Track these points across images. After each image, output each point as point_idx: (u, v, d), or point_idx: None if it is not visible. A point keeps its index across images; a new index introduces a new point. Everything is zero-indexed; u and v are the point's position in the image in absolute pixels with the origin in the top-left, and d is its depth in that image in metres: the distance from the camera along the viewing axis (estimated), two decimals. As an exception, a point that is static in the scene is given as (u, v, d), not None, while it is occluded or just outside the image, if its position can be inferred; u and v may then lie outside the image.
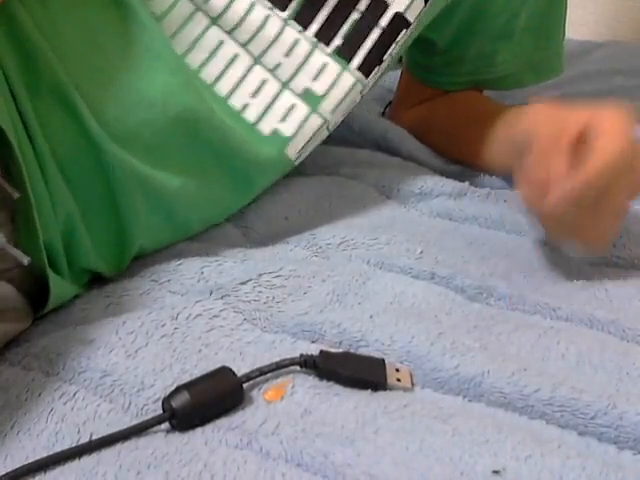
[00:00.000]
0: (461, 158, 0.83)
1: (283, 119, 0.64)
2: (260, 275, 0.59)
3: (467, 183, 0.76)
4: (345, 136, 0.71)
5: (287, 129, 0.65)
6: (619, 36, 1.43)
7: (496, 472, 0.43)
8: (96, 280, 0.62)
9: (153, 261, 0.63)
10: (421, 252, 0.64)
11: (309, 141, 0.66)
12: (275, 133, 0.64)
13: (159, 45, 0.59)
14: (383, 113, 0.95)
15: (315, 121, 0.66)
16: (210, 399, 0.47)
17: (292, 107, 0.65)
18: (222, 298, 0.57)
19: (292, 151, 0.66)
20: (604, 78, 1.09)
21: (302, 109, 0.65)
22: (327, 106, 0.66)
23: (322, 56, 0.65)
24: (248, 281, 0.58)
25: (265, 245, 0.67)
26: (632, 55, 1.20)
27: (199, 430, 0.46)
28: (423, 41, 0.75)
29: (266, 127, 0.64)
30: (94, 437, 0.46)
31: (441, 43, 0.82)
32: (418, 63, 0.84)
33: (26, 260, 0.47)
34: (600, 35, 1.43)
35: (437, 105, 0.88)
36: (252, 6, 0.62)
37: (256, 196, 0.69)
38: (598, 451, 0.45)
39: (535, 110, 0.65)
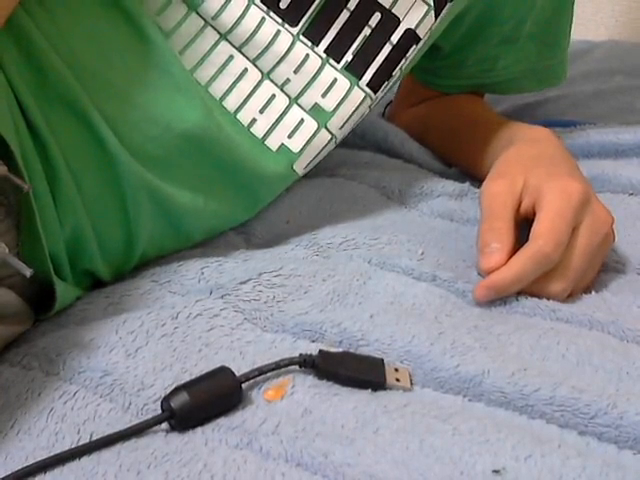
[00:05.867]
0: (454, 161, 0.83)
1: (291, 135, 0.64)
2: (260, 274, 0.59)
3: (467, 184, 0.76)
4: (346, 138, 0.71)
5: (295, 145, 0.64)
6: (619, 36, 1.43)
7: (496, 472, 0.43)
8: (96, 282, 0.62)
9: (154, 262, 0.63)
10: (422, 253, 0.64)
11: (317, 155, 0.66)
12: (283, 149, 0.64)
13: (167, 61, 0.59)
14: (384, 113, 0.96)
15: (323, 137, 0.65)
16: (209, 399, 0.47)
17: (300, 122, 0.64)
18: (222, 297, 0.57)
19: (299, 166, 0.66)
20: (604, 78, 1.09)
21: (311, 125, 0.65)
22: (336, 122, 0.65)
23: (332, 72, 0.64)
24: (248, 280, 0.58)
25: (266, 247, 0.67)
26: (632, 55, 1.20)
27: (199, 430, 0.46)
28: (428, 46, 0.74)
29: (274, 143, 0.64)
30: (94, 437, 0.46)
31: (445, 47, 0.82)
32: (419, 65, 0.83)
33: (28, 272, 0.47)
34: (600, 35, 1.43)
35: (436, 106, 0.88)
36: (262, 21, 0.62)
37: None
38: (598, 451, 0.45)
39: (507, 157, 0.67)
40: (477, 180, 0.71)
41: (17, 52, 0.55)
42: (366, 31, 0.65)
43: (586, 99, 1.01)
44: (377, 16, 0.65)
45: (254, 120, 0.63)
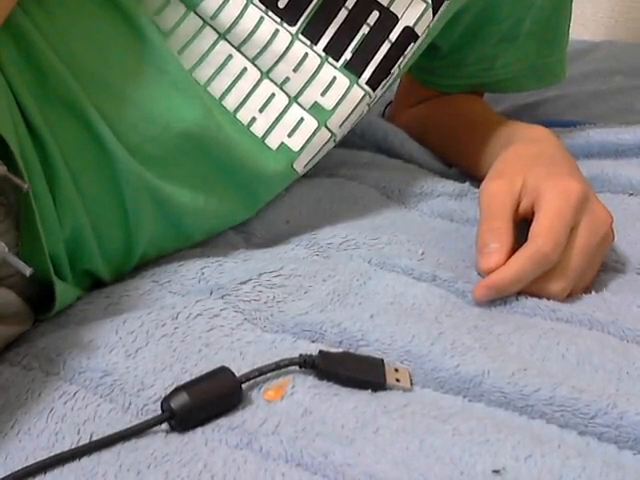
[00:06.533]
0: (454, 161, 0.83)
1: (291, 133, 0.64)
2: (260, 275, 0.59)
3: (467, 184, 0.76)
4: (346, 138, 0.71)
5: (295, 143, 0.65)
6: (618, 36, 1.43)
7: (496, 472, 0.43)
8: (96, 282, 0.62)
9: (154, 262, 0.63)
10: (422, 253, 0.64)
11: (316, 154, 0.66)
12: (283, 148, 0.64)
13: (165, 61, 0.59)
14: (383, 113, 0.96)
15: (323, 135, 0.65)
16: (209, 400, 0.47)
17: (300, 121, 0.64)
18: (222, 298, 0.57)
19: (299, 165, 0.66)
20: (603, 78, 1.09)
21: (311, 123, 0.65)
22: (335, 120, 0.65)
23: (331, 70, 0.64)
24: (248, 281, 0.58)
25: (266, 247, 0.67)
26: (631, 55, 1.20)
27: (199, 430, 0.46)
28: (426, 45, 0.75)
29: (274, 141, 0.64)
30: (94, 437, 0.46)
31: (444, 47, 0.82)
32: (419, 65, 0.84)
33: (28, 271, 0.47)
34: (599, 35, 1.43)
35: (435, 106, 0.88)
36: (261, 20, 0.62)
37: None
38: (598, 451, 0.45)
39: (506, 156, 0.67)
40: (477, 180, 0.71)
41: (16, 52, 0.55)
42: (364, 29, 0.65)
43: (586, 99, 1.01)
44: (375, 14, 0.65)
45: (254, 119, 0.63)
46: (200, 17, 0.61)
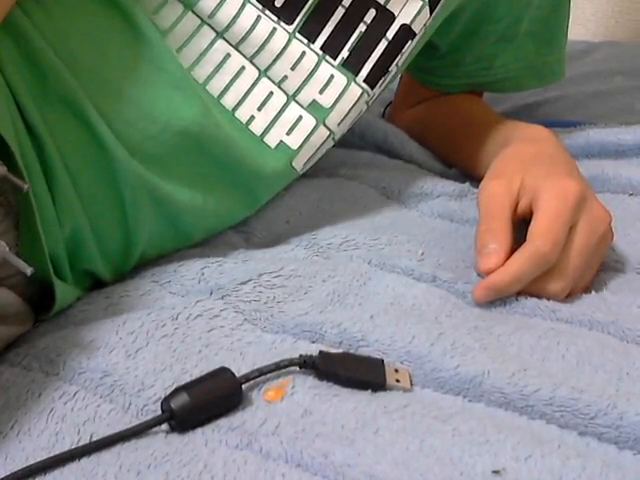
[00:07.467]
0: (453, 161, 0.83)
1: (289, 132, 0.64)
2: (260, 275, 0.59)
3: (467, 184, 0.76)
4: (345, 138, 0.72)
5: (293, 142, 0.65)
6: (618, 36, 1.43)
7: (496, 472, 0.43)
8: (96, 282, 0.62)
9: (154, 262, 0.63)
10: (422, 254, 0.64)
11: (315, 152, 0.67)
12: (281, 146, 0.64)
13: (164, 59, 0.59)
14: (383, 113, 0.96)
15: (322, 133, 0.66)
16: (209, 400, 0.47)
17: (299, 119, 0.64)
18: (222, 298, 0.57)
19: (298, 163, 0.66)
20: (603, 79, 1.09)
21: (309, 121, 0.65)
22: (334, 118, 0.66)
23: (329, 68, 0.65)
24: (248, 281, 0.58)
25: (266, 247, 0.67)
26: (631, 56, 1.20)
27: (199, 430, 0.46)
28: (424, 44, 0.75)
29: (272, 140, 0.64)
30: (94, 437, 0.46)
31: (442, 46, 0.82)
32: (418, 65, 0.84)
33: (29, 271, 0.47)
34: (599, 35, 1.43)
35: (435, 106, 0.88)
36: (258, 19, 0.62)
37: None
38: (598, 451, 0.45)
39: (504, 157, 0.67)
40: (477, 180, 0.71)
41: (15, 52, 0.55)
42: (361, 27, 0.65)
43: (586, 100, 1.01)
44: (372, 12, 0.65)
45: (252, 117, 0.63)
46: (198, 16, 0.61)
